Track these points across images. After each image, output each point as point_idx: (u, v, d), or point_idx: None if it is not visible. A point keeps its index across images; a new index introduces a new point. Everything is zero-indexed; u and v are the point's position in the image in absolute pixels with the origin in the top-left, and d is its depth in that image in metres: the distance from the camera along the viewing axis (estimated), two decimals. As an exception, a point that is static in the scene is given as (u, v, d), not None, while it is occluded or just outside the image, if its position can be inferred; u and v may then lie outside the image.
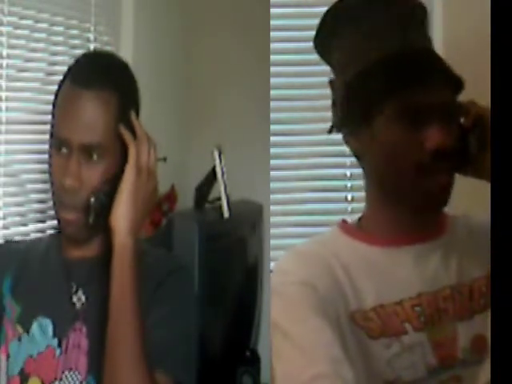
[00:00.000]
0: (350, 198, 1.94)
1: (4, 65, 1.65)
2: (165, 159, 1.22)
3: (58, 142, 1.14)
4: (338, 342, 1.00)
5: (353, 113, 1.10)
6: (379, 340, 1.03)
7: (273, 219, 1.97)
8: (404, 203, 1.10)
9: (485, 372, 1.02)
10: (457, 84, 1.09)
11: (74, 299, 1.18)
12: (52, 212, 1.69)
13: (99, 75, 1.14)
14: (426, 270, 1.09)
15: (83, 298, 1.18)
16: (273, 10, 1.92)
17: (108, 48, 1.97)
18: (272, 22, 1.92)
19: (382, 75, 1.05)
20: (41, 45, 1.78)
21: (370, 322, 1.04)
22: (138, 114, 1.19)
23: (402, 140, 1.06)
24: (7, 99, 1.66)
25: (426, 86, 1.05)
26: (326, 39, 1.15)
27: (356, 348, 1.02)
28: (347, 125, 1.12)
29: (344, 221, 1.19)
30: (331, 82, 1.16)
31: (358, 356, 1.02)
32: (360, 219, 1.18)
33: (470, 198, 1.24)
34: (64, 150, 1.13)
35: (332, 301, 1.04)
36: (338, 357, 0.98)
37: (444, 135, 1.05)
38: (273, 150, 1.93)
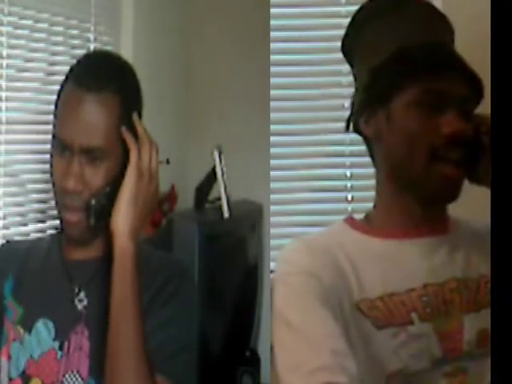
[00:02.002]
0: (350, 197, 1.94)
1: (4, 65, 1.65)
2: (167, 161, 1.21)
3: (59, 143, 1.13)
4: (341, 333, 1.00)
5: (373, 97, 1.12)
6: (385, 329, 1.03)
7: (273, 219, 1.97)
8: (416, 191, 1.10)
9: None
10: (478, 91, 1.10)
11: (76, 301, 1.18)
12: (52, 212, 1.70)
13: (101, 77, 1.13)
14: (432, 262, 1.09)
15: (85, 300, 1.17)
16: (273, 10, 1.92)
17: (108, 48, 1.97)
18: (272, 22, 1.92)
19: (407, 60, 1.08)
20: (41, 45, 1.78)
21: (377, 311, 1.04)
22: (140, 114, 1.18)
23: (419, 124, 1.08)
24: (7, 99, 1.66)
25: (449, 78, 1.07)
26: (355, 33, 1.18)
27: (359, 338, 1.02)
28: (366, 110, 1.14)
29: (350, 217, 1.20)
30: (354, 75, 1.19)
31: (360, 346, 1.02)
32: (366, 217, 1.19)
33: (469, 203, 1.23)
34: (66, 152, 1.13)
35: (336, 291, 1.04)
36: (342, 349, 0.98)
37: (461, 123, 1.07)
38: (273, 150, 1.93)
